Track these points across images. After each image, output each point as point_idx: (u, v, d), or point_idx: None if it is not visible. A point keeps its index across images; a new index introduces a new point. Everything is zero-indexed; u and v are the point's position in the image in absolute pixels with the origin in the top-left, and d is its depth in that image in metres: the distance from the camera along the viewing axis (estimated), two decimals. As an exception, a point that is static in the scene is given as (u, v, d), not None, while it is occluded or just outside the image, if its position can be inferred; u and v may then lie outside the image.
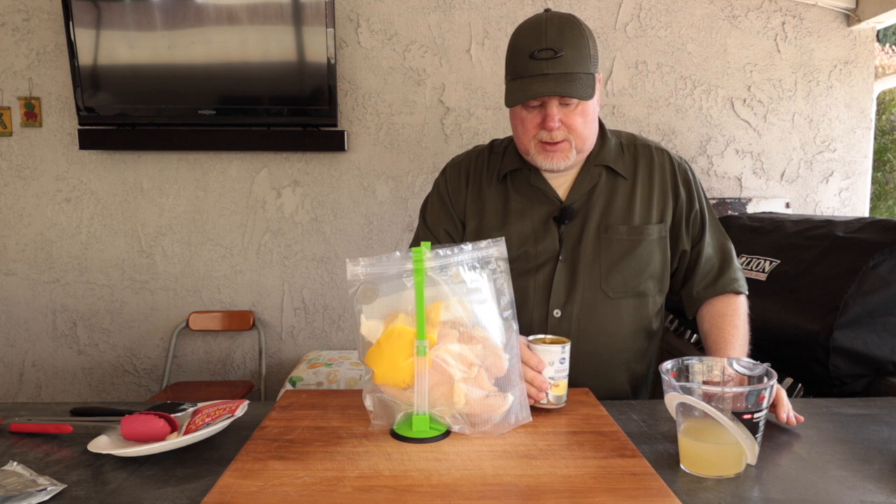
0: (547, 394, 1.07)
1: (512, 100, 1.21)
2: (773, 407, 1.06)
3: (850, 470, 0.90)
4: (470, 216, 1.37)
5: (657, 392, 1.26)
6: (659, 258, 1.32)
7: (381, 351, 0.99)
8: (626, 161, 1.34)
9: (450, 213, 1.40)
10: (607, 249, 1.29)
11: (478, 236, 1.33)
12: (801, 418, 1.07)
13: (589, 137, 1.26)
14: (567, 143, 1.24)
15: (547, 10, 1.24)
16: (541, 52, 1.17)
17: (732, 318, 1.30)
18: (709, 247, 1.35)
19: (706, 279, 1.35)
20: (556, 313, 1.30)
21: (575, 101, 1.20)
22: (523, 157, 1.32)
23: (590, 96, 1.19)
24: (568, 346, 1.09)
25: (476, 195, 1.37)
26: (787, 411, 1.05)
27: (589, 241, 1.30)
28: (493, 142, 1.43)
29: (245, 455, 0.93)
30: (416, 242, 1.40)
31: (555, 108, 1.20)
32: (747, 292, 1.37)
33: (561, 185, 1.33)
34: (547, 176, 1.33)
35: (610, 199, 1.31)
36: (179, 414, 1.08)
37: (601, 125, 1.36)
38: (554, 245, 1.30)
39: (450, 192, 1.40)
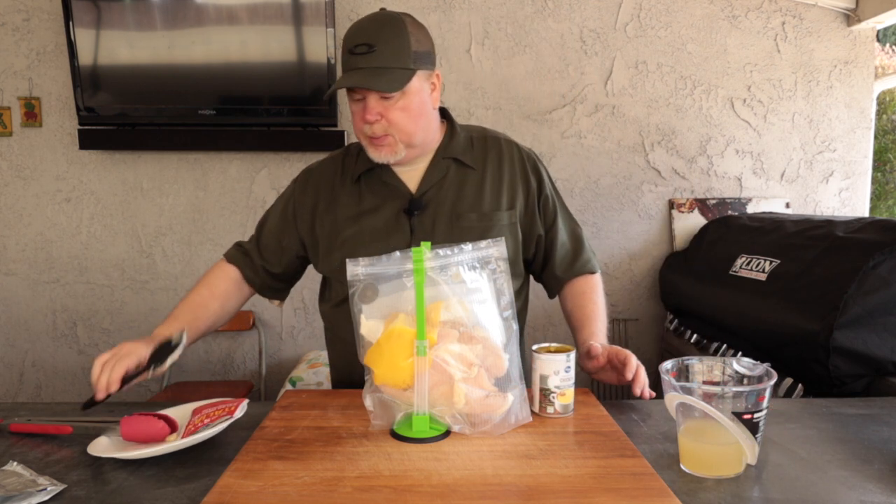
0: (553, 403, 1.07)
1: (325, 93, 1.23)
2: (633, 381, 1.14)
3: (850, 470, 0.90)
4: (321, 222, 1.38)
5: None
6: (511, 244, 1.35)
7: (381, 351, 0.99)
8: (474, 153, 1.38)
9: (288, 224, 1.42)
10: (459, 237, 1.31)
11: (331, 239, 1.35)
12: (654, 394, 1.14)
13: (415, 132, 1.28)
14: (391, 138, 1.26)
15: (382, 9, 1.28)
16: (357, 47, 1.22)
17: (592, 295, 1.41)
18: (562, 231, 1.43)
19: (565, 262, 1.43)
20: None
21: (395, 95, 1.22)
22: None
23: (395, 89, 1.21)
24: (573, 354, 1.09)
25: (329, 200, 1.39)
26: (643, 386, 1.14)
27: (441, 229, 1.33)
28: (350, 145, 1.44)
29: (245, 455, 0.93)
30: (256, 239, 1.43)
31: (373, 102, 1.23)
32: (599, 271, 1.46)
33: (411, 179, 1.36)
34: (397, 171, 1.35)
35: (460, 189, 1.35)
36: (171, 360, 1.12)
37: (451, 120, 1.40)
38: (405, 236, 1.33)
39: (295, 201, 1.42)
